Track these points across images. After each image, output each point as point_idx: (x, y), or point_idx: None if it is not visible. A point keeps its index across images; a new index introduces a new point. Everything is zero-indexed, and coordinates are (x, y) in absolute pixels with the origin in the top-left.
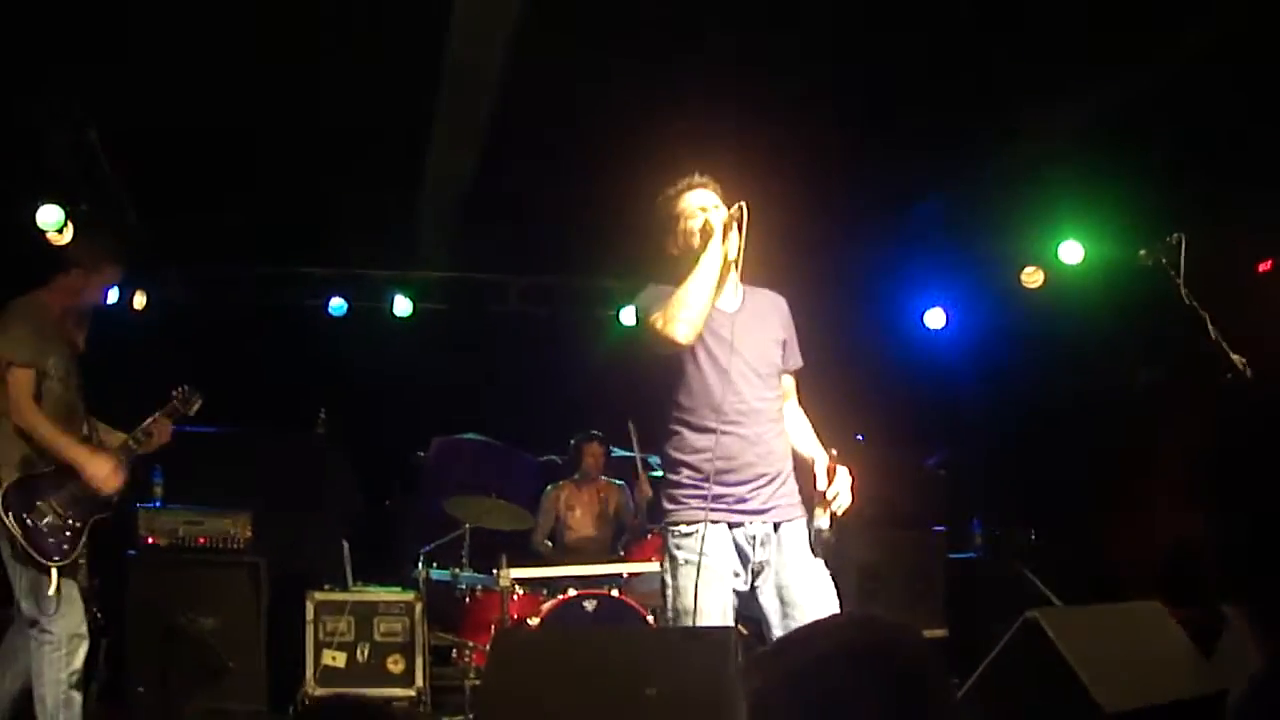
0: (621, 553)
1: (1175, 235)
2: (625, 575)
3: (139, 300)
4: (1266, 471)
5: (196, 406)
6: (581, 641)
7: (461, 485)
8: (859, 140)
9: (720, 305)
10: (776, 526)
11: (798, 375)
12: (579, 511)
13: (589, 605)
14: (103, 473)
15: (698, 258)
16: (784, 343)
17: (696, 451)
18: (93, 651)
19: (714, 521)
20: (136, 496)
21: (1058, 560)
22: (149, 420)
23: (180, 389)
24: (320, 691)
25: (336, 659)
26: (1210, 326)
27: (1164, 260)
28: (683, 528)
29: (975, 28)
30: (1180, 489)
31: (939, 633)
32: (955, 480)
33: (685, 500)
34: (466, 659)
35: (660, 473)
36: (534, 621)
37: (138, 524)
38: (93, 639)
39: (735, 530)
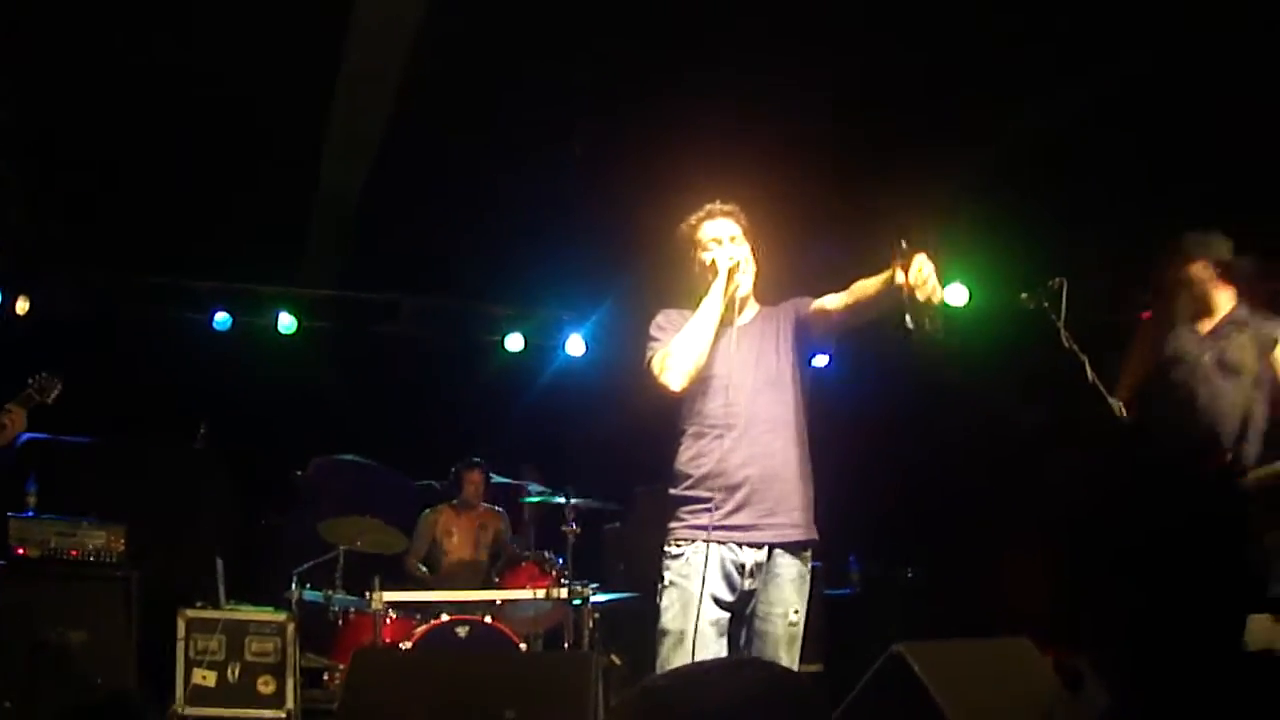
0: (496, 579)
1: (1057, 280)
2: (499, 602)
3: (21, 305)
4: (1127, 519)
5: (55, 394)
6: (441, 663)
7: (338, 506)
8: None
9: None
10: (770, 554)
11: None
12: (457, 537)
13: (461, 631)
14: None
15: (702, 298)
16: (786, 330)
17: (688, 460)
18: None
19: (703, 541)
20: (8, 505)
21: (935, 597)
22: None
23: (36, 376)
24: (189, 711)
25: (207, 678)
26: (1088, 371)
27: (1045, 304)
28: (670, 547)
29: (871, 70)
30: (1056, 531)
31: (814, 668)
32: (833, 517)
33: (677, 516)
34: (337, 682)
35: (536, 498)
36: (406, 645)
37: (8, 534)
38: None
39: (724, 551)
